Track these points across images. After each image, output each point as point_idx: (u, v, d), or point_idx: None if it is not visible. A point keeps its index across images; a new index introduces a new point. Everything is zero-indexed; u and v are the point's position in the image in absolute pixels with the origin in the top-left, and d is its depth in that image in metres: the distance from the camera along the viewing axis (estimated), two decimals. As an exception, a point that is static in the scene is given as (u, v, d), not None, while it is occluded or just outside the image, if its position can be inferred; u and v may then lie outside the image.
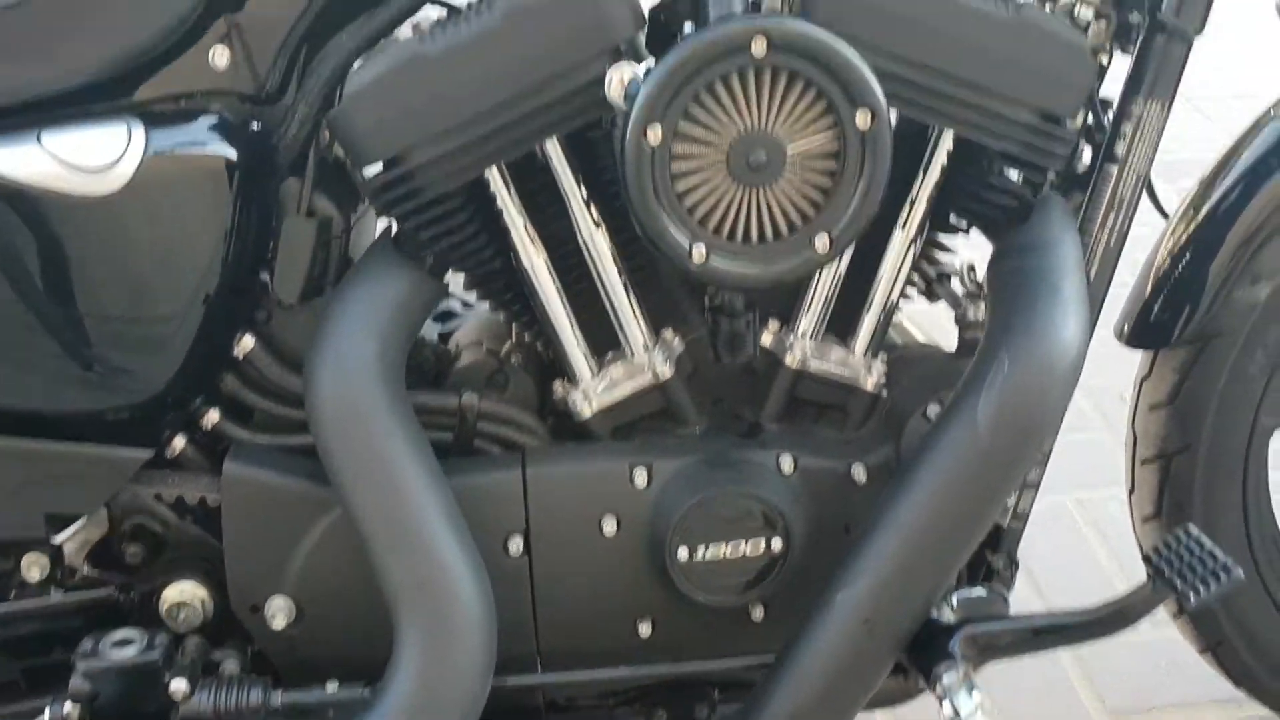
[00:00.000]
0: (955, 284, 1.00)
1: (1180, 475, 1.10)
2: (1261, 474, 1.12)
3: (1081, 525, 1.49)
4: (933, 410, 0.92)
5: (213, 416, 0.90)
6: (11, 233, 0.80)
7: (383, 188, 0.83)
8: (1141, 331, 1.07)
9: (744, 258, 0.81)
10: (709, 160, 0.78)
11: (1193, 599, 0.85)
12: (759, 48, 0.75)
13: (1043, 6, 0.89)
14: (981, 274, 0.95)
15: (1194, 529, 0.91)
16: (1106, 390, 1.51)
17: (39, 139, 0.79)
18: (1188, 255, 1.05)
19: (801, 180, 0.80)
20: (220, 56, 0.84)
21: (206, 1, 0.82)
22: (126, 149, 0.80)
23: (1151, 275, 1.08)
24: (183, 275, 0.84)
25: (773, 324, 0.93)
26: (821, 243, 0.80)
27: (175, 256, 0.84)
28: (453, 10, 0.86)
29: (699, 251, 0.79)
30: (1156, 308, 1.06)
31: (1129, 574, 1.36)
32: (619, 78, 0.79)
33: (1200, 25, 0.90)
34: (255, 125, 0.85)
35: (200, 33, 0.83)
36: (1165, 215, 1.08)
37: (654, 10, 0.90)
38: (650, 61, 0.78)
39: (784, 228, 0.81)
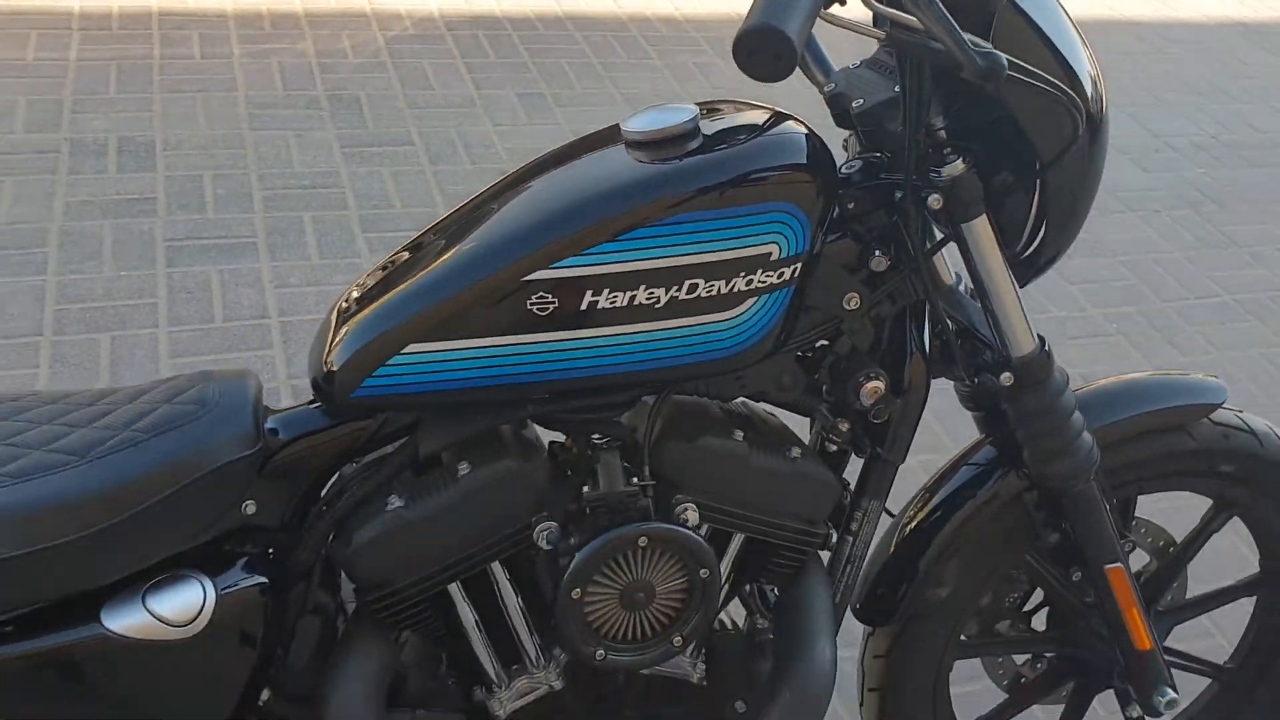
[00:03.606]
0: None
1: (893, 703, 1.62)
2: (944, 695, 1.65)
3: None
4: (739, 705, 1.39)
5: None
6: (129, 672, 1.14)
7: (376, 605, 1.22)
8: (867, 610, 1.57)
9: (629, 653, 1.25)
10: (610, 600, 1.22)
11: None
12: (644, 543, 1.20)
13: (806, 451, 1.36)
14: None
15: None
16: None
17: (145, 605, 1.13)
18: (901, 559, 1.55)
19: (665, 605, 1.24)
20: (248, 507, 1.20)
21: (237, 482, 1.18)
22: (204, 600, 1.15)
23: (876, 567, 1.58)
24: (241, 663, 1.20)
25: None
26: (678, 641, 1.26)
27: (235, 655, 1.19)
28: (432, 468, 1.25)
29: (600, 653, 1.23)
30: (878, 594, 1.56)
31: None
32: (544, 535, 1.21)
33: (902, 457, 1.40)
34: (270, 553, 1.22)
35: (234, 500, 1.19)
36: (891, 515, 1.58)
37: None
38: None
39: (654, 632, 1.25)
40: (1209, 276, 3.35)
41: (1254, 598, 1.76)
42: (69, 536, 1.09)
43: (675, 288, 1.16)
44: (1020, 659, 1.72)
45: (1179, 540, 1.66)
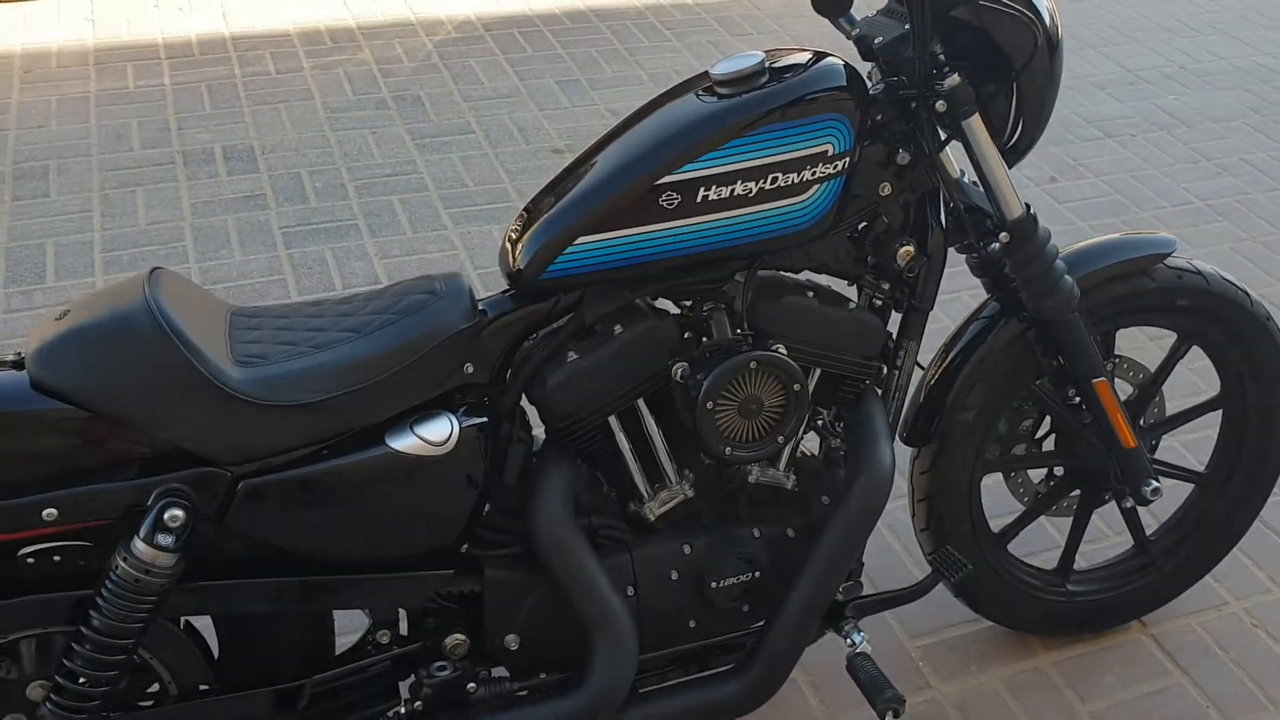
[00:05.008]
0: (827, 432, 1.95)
1: (937, 508, 2.09)
2: (977, 502, 2.11)
3: (883, 529, 2.49)
4: (824, 499, 1.86)
5: (470, 549, 1.74)
6: (405, 482, 1.62)
7: (562, 432, 1.70)
8: (911, 436, 2.04)
9: (748, 450, 1.71)
10: (732, 411, 1.68)
11: (951, 581, 1.85)
12: (754, 366, 1.67)
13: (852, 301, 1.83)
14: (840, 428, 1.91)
15: (949, 548, 1.90)
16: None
17: (414, 431, 1.61)
18: (934, 394, 2.02)
19: (770, 413, 1.72)
20: (469, 368, 1.67)
21: (463, 347, 1.65)
22: (452, 430, 1.62)
23: (915, 404, 2.05)
24: (475, 479, 1.67)
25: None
26: (781, 439, 1.73)
27: (472, 473, 1.66)
28: (594, 331, 1.71)
29: (728, 451, 1.70)
30: (918, 424, 2.03)
31: (915, 558, 2.36)
32: (679, 370, 1.69)
33: (931, 304, 1.87)
34: (486, 400, 1.69)
35: (461, 361, 1.66)
36: (923, 368, 2.05)
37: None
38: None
39: (764, 435, 1.72)
40: (1182, 187, 3.81)
41: (1220, 411, 2.22)
42: (358, 385, 1.56)
43: (762, 180, 1.63)
44: (1036, 479, 2.18)
45: (1153, 370, 2.13)
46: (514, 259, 1.68)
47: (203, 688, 1.67)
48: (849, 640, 1.84)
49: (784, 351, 1.72)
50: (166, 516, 1.47)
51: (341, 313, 1.67)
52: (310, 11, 4.78)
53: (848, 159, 1.67)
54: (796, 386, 1.71)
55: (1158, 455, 2.18)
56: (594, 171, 1.67)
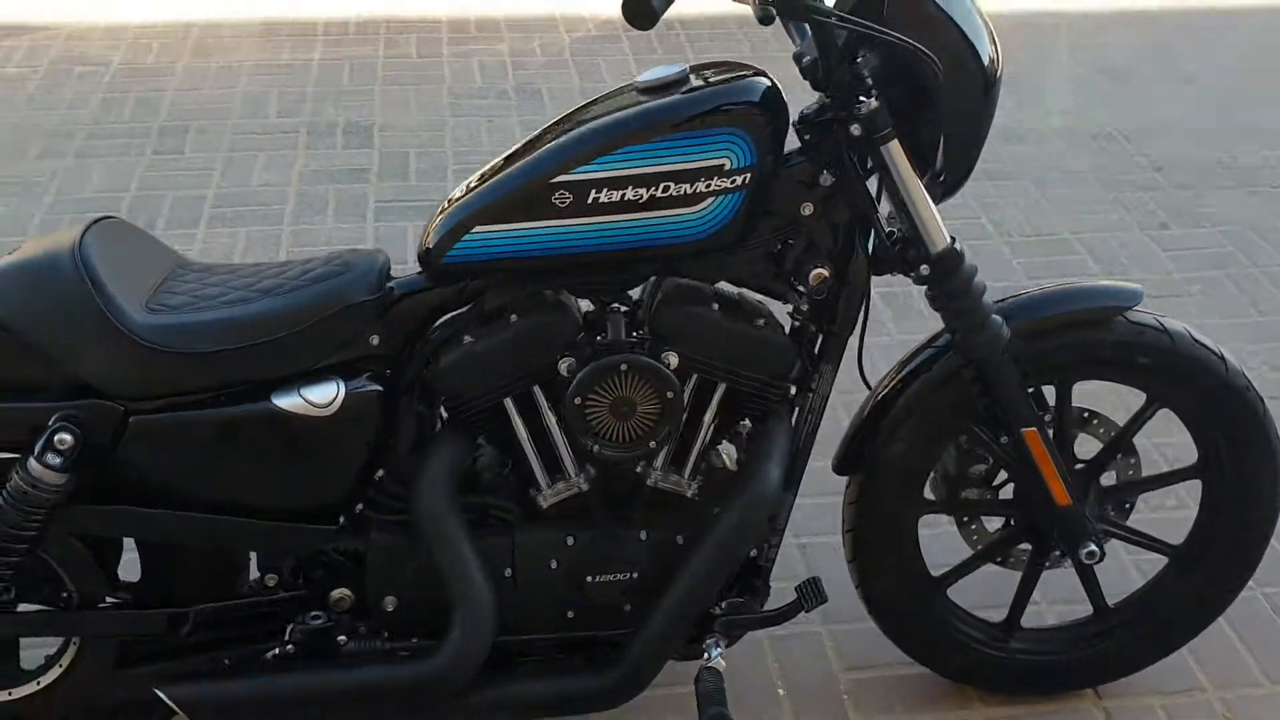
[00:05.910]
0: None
1: (864, 541, 2.05)
2: (910, 540, 2.03)
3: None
4: (716, 511, 1.87)
5: (364, 511, 1.85)
6: (286, 437, 1.74)
7: (453, 410, 1.78)
8: (841, 463, 2.01)
9: (617, 449, 1.75)
10: (604, 410, 1.73)
11: (804, 609, 1.83)
12: (624, 368, 1.70)
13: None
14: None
15: (817, 578, 1.88)
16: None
17: (299, 392, 1.73)
18: (868, 422, 1.98)
19: (644, 417, 1.74)
20: (374, 339, 1.78)
21: (364, 318, 1.75)
22: (337, 394, 1.73)
23: (853, 429, 2.02)
24: (361, 444, 1.78)
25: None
26: (654, 444, 1.75)
27: (358, 437, 1.78)
28: (490, 315, 1.78)
29: (598, 449, 1.74)
30: (850, 450, 2.00)
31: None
32: (565, 366, 1.74)
33: (850, 330, 1.84)
34: (388, 372, 1.79)
35: (363, 332, 1.77)
36: (869, 387, 2.02)
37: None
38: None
39: (637, 438, 1.75)
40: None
41: (1200, 481, 2.07)
42: (251, 342, 1.70)
43: (653, 187, 1.66)
44: (991, 527, 2.10)
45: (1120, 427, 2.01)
46: (424, 243, 1.77)
47: (109, 600, 1.84)
48: (705, 654, 1.84)
49: (673, 360, 1.74)
50: (56, 439, 1.64)
51: (269, 275, 1.81)
52: (466, 1, 5.02)
53: (748, 174, 1.68)
54: (669, 394, 1.73)
55: (1132, 522, 2.07)
56: (508, 166, 1.75)
